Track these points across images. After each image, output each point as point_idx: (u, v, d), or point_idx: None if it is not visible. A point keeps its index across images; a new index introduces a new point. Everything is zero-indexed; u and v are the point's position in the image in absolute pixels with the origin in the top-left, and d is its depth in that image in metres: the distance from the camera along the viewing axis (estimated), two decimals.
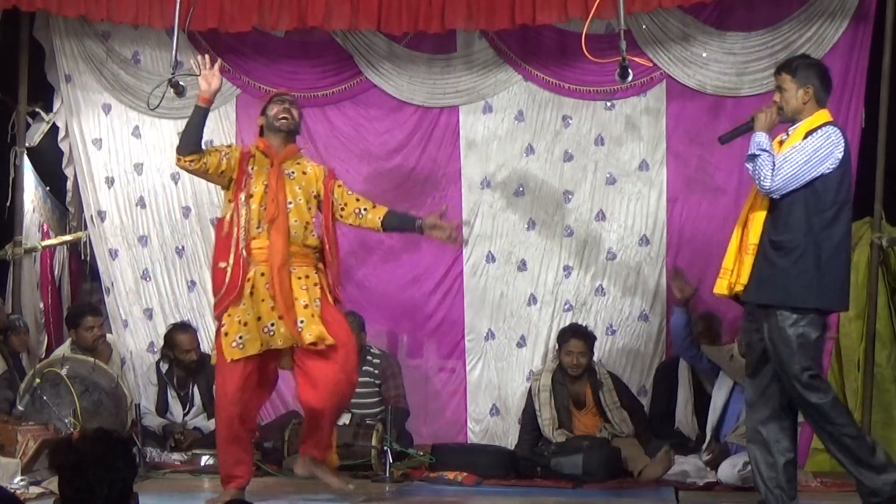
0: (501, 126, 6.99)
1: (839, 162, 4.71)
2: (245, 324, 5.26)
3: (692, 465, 6.12)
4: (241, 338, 5.26)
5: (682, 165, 6.81)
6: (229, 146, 5.56)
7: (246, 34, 6.86)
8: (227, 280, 5.32)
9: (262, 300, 5.27)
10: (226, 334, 5.29)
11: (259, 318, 5.26)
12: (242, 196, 5.36)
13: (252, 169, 5.41)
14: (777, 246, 4.73)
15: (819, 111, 4.83)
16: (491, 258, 6.98)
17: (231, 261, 5.33)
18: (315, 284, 5.34)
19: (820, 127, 4.76)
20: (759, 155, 4.76)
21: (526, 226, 6.96)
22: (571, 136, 6.92)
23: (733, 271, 4.87)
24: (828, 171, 4.70)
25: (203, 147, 5.41)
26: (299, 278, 5.32)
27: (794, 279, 4.69)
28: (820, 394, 4.72)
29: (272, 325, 5.25)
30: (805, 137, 4.75)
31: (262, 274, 5.30)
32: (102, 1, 6.69)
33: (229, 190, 5.45)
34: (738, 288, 4.85)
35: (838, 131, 4.77)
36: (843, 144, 4.74)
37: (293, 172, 5.46)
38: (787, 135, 4.86)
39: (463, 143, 7.02)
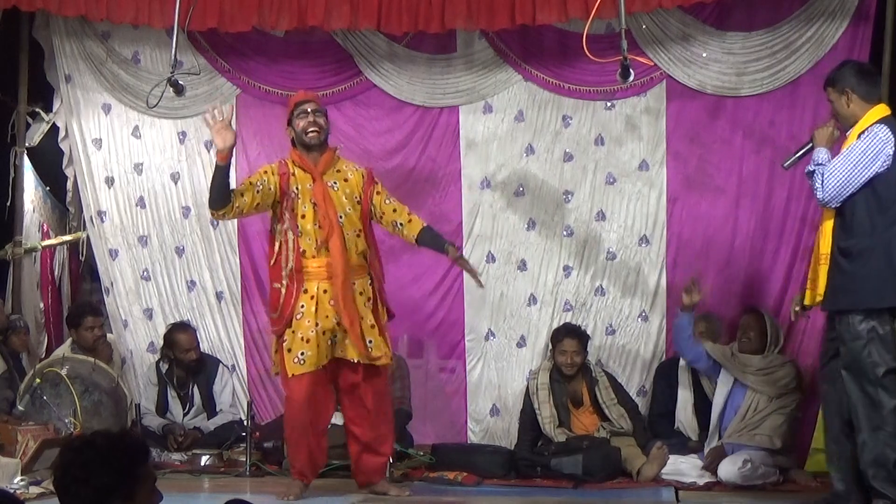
0: (501, 126, 6.98)
1: (892, 158, 4.67)
2: (307, 340, 5.38)
3: (690, 464, 6.12)
4: (302, 354, 5.38)
5: (682, 165, 6.81)
6: (264, 172, 5.53)
7: (246, 34, 6.86)
8: (281, 300, 5.43)
9: (326, 316, 5.39)
10: (289, 350, 5.41)
11: (324, 333, 5.39)
12: (288, 216, 5.43)
13: (296, 188, 5.45)
14: (845, 252, 4.71)
15: (872, 108, 4.80)
16: (491, 258, 6.98)
17: (285, 281, 5.43)
18: (368, 300, 5.51)
19: (869, 127, 4.72)
20: (814, 171, 4.77)
21: (526, 226, 6.95)
22: (571, 136, 6.92)
23: (813, 281, 4.87)
24: (882, 170, 4.67)
25: (232, 190, 5.47)
26: (360, 294, 5.47)
27: (865, 282, 4.65)
28: (889, 393, 4.67)
29: (336, 336, 5.41)
30: (857, 140, 4.73)
31: (325, 291, 5.40)
32: (102, 1, 6.69)
33: (275, 211, 5.50)
34: (818, 299, 4.83)
35: (886, 129, 4.71)
36: (892, 140, 4.68)
37: (335, 183, 5.51)
38: (846, 138, 4.85)
39: (463, 143, 7.01)
